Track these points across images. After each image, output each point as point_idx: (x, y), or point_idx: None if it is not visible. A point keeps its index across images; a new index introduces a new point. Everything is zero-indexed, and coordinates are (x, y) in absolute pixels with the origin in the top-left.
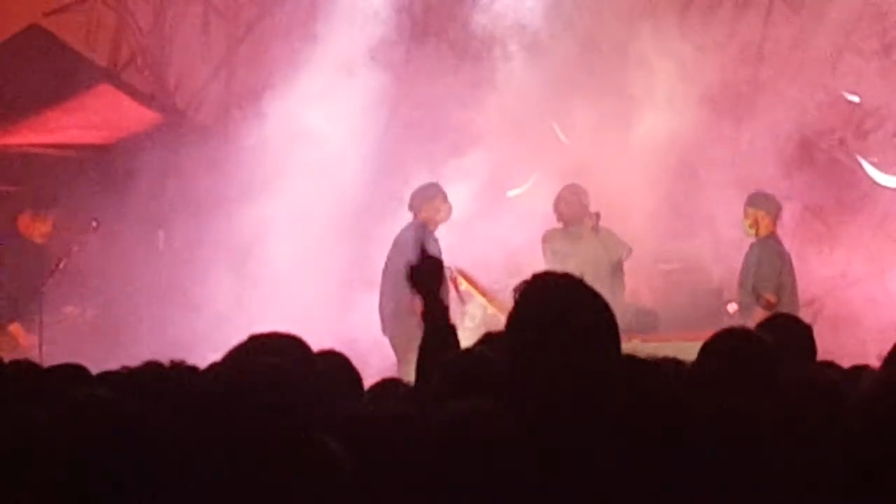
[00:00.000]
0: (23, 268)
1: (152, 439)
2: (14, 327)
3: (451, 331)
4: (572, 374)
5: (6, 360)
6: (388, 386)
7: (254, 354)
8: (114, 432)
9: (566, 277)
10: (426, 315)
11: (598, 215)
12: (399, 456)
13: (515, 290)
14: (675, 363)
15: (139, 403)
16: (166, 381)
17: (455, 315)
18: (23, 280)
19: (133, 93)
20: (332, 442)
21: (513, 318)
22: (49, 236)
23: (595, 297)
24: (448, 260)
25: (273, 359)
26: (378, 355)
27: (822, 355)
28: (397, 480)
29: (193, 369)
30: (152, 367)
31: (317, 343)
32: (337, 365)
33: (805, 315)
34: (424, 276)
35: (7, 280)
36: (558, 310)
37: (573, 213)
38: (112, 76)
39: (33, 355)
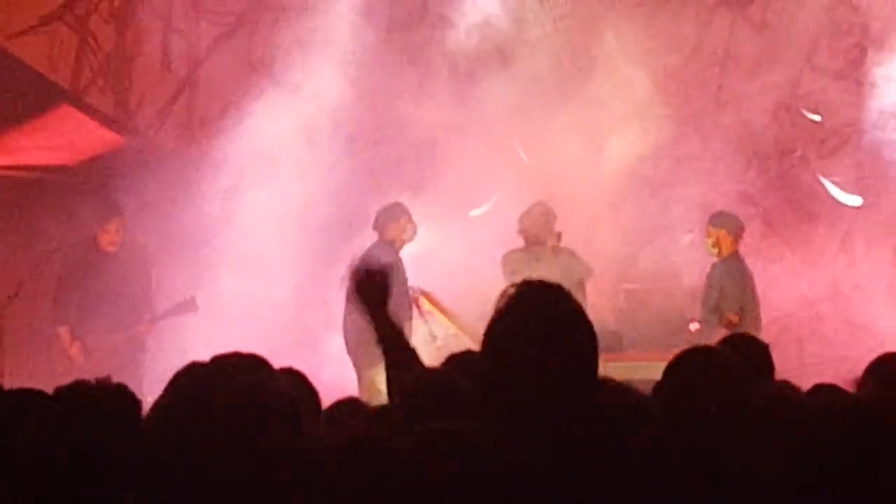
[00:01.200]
0: (92, 277)
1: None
2: (62, 330)
3: (405, 344)
4: (553, 389)
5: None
6: (347, 406)
7: (217, 374)
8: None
9: (553, 288)
10: (375, 330)
11: (559, 235)
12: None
13: (501, 295)
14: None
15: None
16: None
17: (419, 336)
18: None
19: (95, 114)
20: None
21: (495, 324)
22: (113, 244)
23: (579, 308)
24: (411, 280)
25: (239, 377)
26: (342, 375)
27: (783, 374)
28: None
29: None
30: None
31: (280, 363)
32: (295, 383)
33: (767, 334)
34: (369, 289)
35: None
36: (541, 321)
37: (537, 230)
38: (74, 98)
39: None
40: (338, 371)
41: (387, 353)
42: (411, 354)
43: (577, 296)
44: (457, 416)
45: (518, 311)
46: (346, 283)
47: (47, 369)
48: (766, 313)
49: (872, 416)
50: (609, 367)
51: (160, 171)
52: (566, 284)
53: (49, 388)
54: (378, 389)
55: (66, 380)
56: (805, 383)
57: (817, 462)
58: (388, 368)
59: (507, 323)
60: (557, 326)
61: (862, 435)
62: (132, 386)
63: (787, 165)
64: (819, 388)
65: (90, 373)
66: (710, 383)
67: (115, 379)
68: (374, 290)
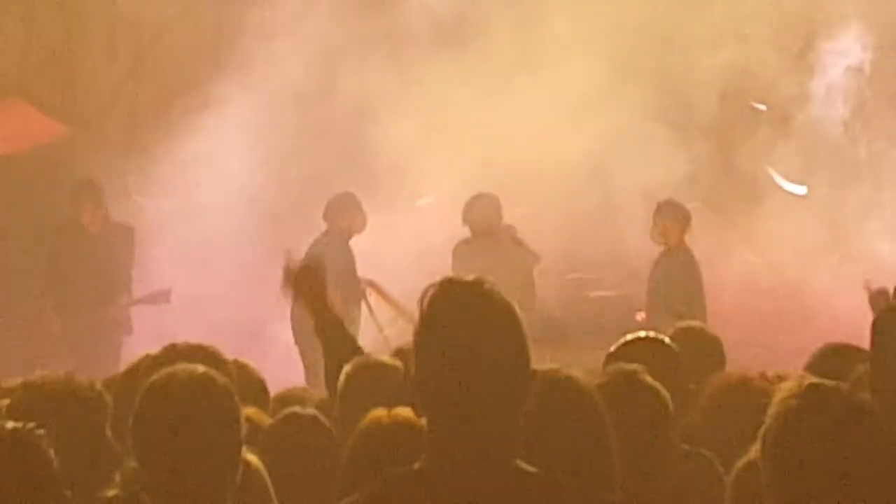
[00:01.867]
0: (75, 257)
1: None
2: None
3: (343, 333)
4: (481, 386)
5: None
6: (295, 394)
7: (170, 363)
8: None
9: (473, 284)
10: (314, 321)
11: (513, 228)
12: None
13: (422, 296)
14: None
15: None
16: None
17: (367, 327)
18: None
19: (40, 104)
20: (250, 454)
21: (419, 327)
22: (97, 223)
23: (505, 303)
24: (360, 270)
25: (185, 365)
26: (290, 364)
27: (731, 365)
28: None
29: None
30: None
31: (231, 353)
32: (244, 373)
33: (714, 324)
34: (305, 283)
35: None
36: (464, 318)
37: (487, 223)
38: (20, 87)
39: None
40: (287, 363)
41: (325, 343)
42: (350, 343)
43: (527, 284)
44: (394, 405)
45: (439, 314)
46: (283, 280)
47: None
48: (713, 304)
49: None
50: (555, 357)
51: (107, 162)
52: (516, 273)
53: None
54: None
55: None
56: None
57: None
58: (327, 357)
59: (429, 327)
60: (481, 326)
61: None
62: (110, 366)
63: (733, 156)
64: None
65: (69, 350)
66: (653, 372)
67: (92, 357)
68: (309, 283)
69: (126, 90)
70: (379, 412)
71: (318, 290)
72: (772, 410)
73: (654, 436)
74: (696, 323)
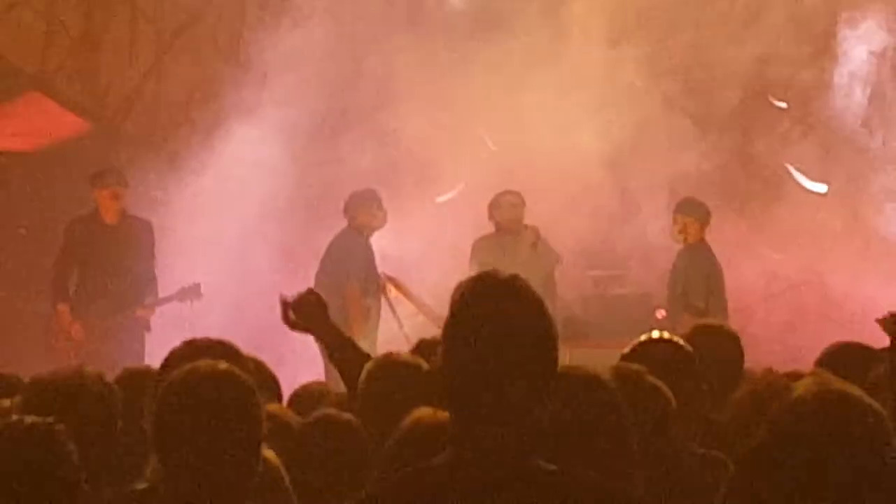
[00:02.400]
0: (95, 250)
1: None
2: (62, 307)
3: (357, 354)
4: (508, 382)
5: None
6: (314, 390)
7: (191, 359)
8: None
9: (507, 280)
10: (326, 348)
11: (537, 230)
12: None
13: (456, 288)
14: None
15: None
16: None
17: (386, 322)
18: (90, 262)
19: (62, 100)
20: (268, 451)
21: (450, 320)
22: (118, 216)
23: (537, 301)
24: (379, 266)
25: (208, 361)
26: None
27: (752, 362)
28: None
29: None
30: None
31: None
32: (255, 369)
33: (735, 322)
34: (307, 313)
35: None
36: (496, 313)
37: (509, 220)
38: (40, 83)
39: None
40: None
41: (340, 367)
42: (365, 361)
43: (548, 285)
44: (418, 401)
45: (472, 308)
46: (282, 315)
47: (12, 355)
48: (734, 302)
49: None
50: (575, 355)
51: (128, 157)
52: (537, 273)
53: (30, 368)
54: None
55: (66, 358)
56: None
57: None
58: (346, 381)
59: (461, 321)
60: (512, 322)
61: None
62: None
63: (753, 153)
64: (790, 376)
65: (91, 353)
66: (664, 373)
67: (117, 359)
68: (310, 312)
69: (147, 86)
70: (423, 411)
71: (320, 318)
72: (777, 409)
73: (654, 436)
74: (714, 320)
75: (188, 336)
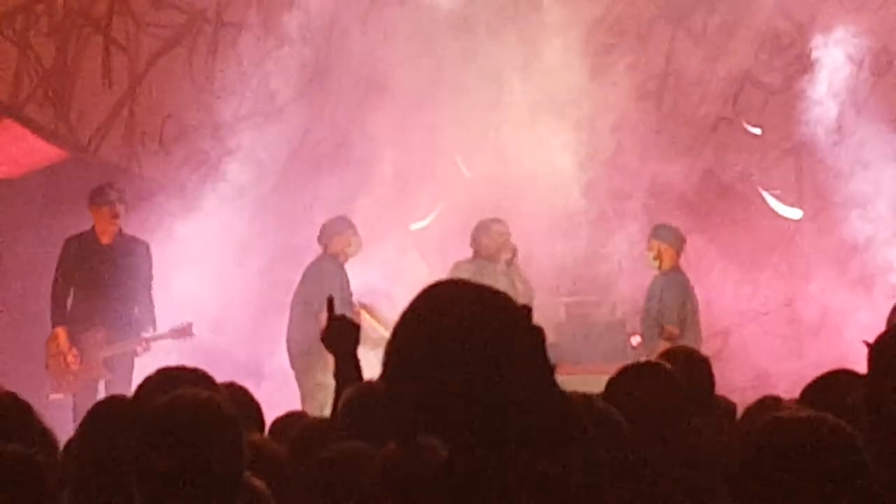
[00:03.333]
0: (91, 270)
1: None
2: (60, 330)
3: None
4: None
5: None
6: (293, 419)
7: (165, 387)
8: None
9: (472, 285)
10: (336, 374)
11: (515, 250)
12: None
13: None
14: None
15: None
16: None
17: (364, 351)
18: (86, 283)
19: (35, 128)
20: (256, 480)
21: (397, 330)
22: (112, 223)
23: (513, 306)
24: (354, 294)
25: (189, 390)
26: (286, 388)
27: (725, 387)
28: None
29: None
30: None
31: (224, 375)
32: (238, 397)
33: (710, 347)
34: (337, 336)
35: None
36: (453, 311)
37: (495, 247)
38: (13, 111)
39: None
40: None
41: (339, 384)
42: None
43: None
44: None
45: (422, 309)
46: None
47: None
48: (708, 326)
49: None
50: None
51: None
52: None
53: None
54: (317, 399)
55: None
56: (748, 397)
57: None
58: (338, 394)
59: (410, 325)
60: (473, 319)
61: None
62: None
63: (727, 179)
64: (761, 402)
65: (86, 382)
66: (652, 398)
67: (107, 385)
68: (344, 338)
69: (121, 114)
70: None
71: (349, 344)
72: (742, 441)
73: None
74: (685, 345)
75: (176, 360)
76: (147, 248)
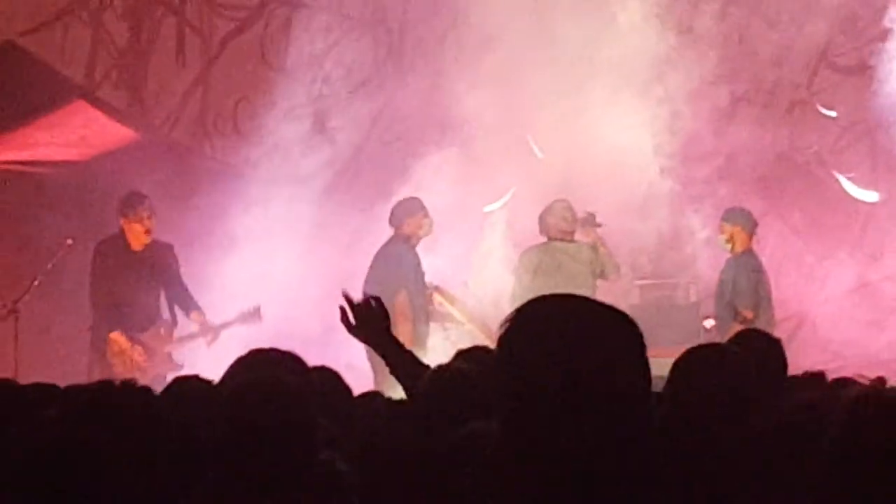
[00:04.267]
0: (127, 277)
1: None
2: (115, 335)
3: (417, 366)
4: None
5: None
6: (369, 399)
7: (255, 368)
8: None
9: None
10: (384, 360)
11: (592, 215)
12: (407, 479)
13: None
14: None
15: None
16: (119, 400)
17: (433, 332)
18: (126, 289)
19: (109, 110)
20: (340, 462)
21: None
22: (150, 232)
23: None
24: (426, 276)
25: (277, 372)
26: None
27: (801, 370)
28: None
29: (146, 389)
30: (105, 387)
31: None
32: (328, 380)
33: (784, 330)
34: (367, 322)
35: (113, 291)
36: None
37: (560, 227)
38: (87, 93)
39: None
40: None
41: (401, 380)
42: (423, 371)
43: (588, 289)
44: (472, 409)
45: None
46: (342, 319)
47: (61, 365)
48: (782, 309)
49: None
50: None
51: (174, 167)
52: (585, 283)
53: (62, 384)
54: (391, 379)
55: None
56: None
57: (839, 462)
58: (405, 391)
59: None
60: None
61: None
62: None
63: (801, 162)
64: (839, 385)
65: (152, 374)
66: (717, 380)
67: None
68: (371, 321)
69: (194, 96)
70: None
71: (379, 328)
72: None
73: None
74: (755, 328)
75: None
76: (172, 250)
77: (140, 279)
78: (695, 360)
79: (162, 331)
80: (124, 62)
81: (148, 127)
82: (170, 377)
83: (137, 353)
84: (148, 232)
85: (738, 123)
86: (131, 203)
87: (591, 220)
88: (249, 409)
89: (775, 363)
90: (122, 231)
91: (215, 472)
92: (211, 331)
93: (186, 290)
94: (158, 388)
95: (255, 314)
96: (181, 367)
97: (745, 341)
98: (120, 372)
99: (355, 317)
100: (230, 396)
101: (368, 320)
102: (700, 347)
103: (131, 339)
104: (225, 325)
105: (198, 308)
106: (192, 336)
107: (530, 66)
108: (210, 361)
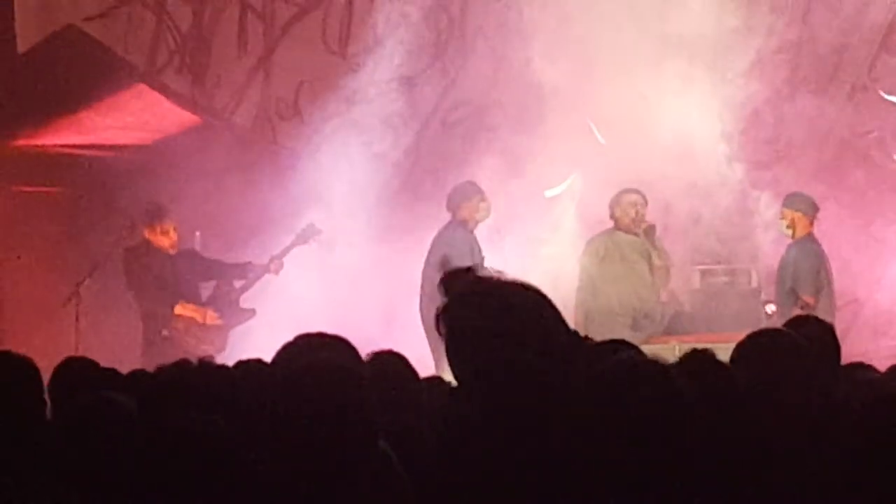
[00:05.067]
0: (163, 280)
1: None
2: (180, 307)
3: None
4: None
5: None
6: (431, 384)
7: (305, 353)
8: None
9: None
10: None
11: (653, 227)
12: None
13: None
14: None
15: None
16: (195, 379)
17: None
18: (165, 292)
19: (171, 94)
20: (392, 453)
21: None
22: (175, 245)
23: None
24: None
25: (331, 356)
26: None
27: (859, 356)
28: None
29: (223, 367)
30: (181, 366)
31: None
32: (395, 365)
33: (844, 316)
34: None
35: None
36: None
37: (628, 219)
38: (148, 77)
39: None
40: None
41: None
42: None
43: (654, 285)
44: None
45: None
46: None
47: (122, 348)
48: (842, 295)
49: None
50: (683, 350)
51: (235, 151)
52: (646, 271)
53: (122, 367)
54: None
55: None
56: (883, 366)
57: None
58: None
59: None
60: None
61: None
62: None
63: (862, 147)
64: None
65: (207, 342)
66: (779, 365)
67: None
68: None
69: (256, 80)
70: None
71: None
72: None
73: None
74: (808, 314)
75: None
76: (195, 252)
77: (181, 273)
78: (754, 346)
79: (224, 286)
80: (187, 47)
81: (210, 111)
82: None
83: (210, 316)
84: (173, 246)
85: (799, 109)
86: (158, 215)
87: (650, 233)
88: (304, 396)
89: (829, 350)
90: (147, 241)
91: (269, 460)
92: (273, 260)
93: (224, 263)
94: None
95: (311, 230)
96: (254, 312)
97: (799, 327)
98: (193, 344)
99: (445, 281)
100: (284, 382)
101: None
102: (760, 333)
103: (197, 305)
104: (285, 251)
105: (245, 263)
106: (255, 274)
107: (592, 51)
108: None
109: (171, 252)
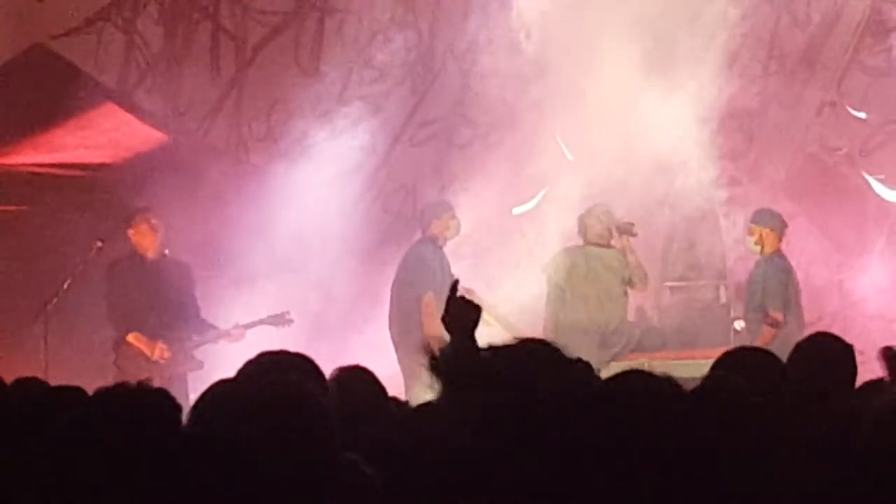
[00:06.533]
0: (143, 285)
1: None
2: (133, 336)
3: None
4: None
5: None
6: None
7: (266, 372)
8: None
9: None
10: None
11: (631, 224)
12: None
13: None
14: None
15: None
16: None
17: None
18: (142, 298)
19: (142, 113)
20: (363, 464)
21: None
22: (158, 250)
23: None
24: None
25: (292, 376)
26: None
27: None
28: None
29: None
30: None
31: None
32: (362, 380)
33: (811, 332)
34: (458, 318)
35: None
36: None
37: (601, 227)
38: (117, 95)
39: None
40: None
41: None
42: None
43: (619, 295)
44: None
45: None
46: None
47: (91, 368)
48: (810, 311)
49: None
50: (653, 366)
51: (208, 171)
52: (615, 288)
53: (91, 386)
54: (421, 379)
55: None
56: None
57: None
58: None
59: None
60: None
61: None
62: (179, 391)
63: (830, 163)
64: (870, 387)
65: (175, 375)
66: (755, 383)
67: (169, 383)
68: (463, 319)
69: (228, 100)
70: None
71: (471, 322)
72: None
73: None
74: (826, 332)
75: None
76: (189, 268)
77: (157, 288)
78: (732, 363)
79: (183, 333)
80: (158, 67)
81: (182, 131)
82: (190, 376)
83: (159, 350)
84: (155, 230)
85: (767, 125)
86: (136, 210)
87: (627, 229)
88: (263, 417)
89: (844, 369)
90: (132, 245)
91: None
92: (237, 329)
93: (198, 314)
94: (179, 387)
95: (283, 317)
96: (201, 365)
97: (817, 345)
98: (135, 374)
99: (449, 309)
100: (243, 403)
101: (460, 316)
102: (738, 350)
103: (151, 337)
104: (252, 325)
105: (211, 326)
106: (216, 333)
107: (558, 67)
108: (234, 360)
109: (158, 252)
